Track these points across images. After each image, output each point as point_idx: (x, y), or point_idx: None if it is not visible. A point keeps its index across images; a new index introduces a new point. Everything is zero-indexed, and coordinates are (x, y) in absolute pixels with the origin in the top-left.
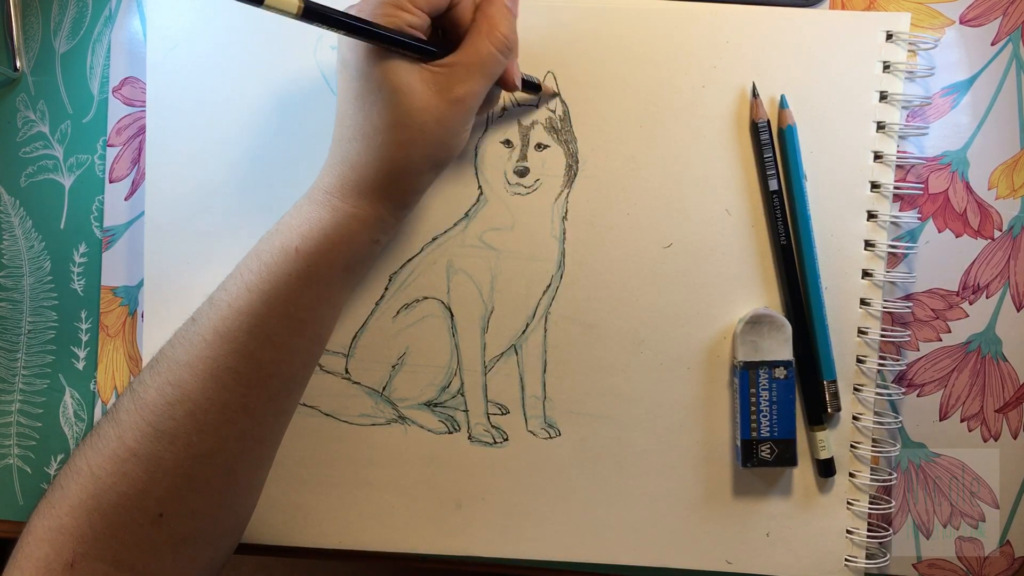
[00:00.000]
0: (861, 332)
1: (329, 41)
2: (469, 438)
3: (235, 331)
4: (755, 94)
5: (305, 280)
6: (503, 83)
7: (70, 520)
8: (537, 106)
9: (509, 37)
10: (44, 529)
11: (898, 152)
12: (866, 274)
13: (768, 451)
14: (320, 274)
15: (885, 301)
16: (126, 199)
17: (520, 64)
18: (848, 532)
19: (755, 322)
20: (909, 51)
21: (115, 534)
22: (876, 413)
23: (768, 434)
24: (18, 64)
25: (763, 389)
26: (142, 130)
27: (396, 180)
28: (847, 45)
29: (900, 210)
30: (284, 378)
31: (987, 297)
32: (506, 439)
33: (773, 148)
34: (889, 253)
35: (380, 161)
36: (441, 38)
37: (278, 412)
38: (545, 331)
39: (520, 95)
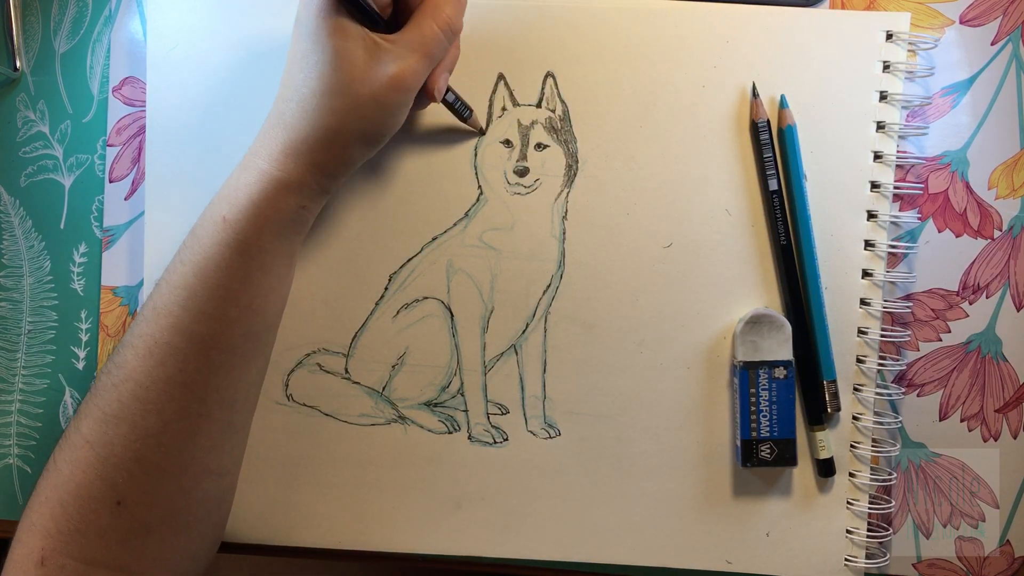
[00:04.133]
0: (861, 332)
1: None
2: (469, 438)
3: (170, 305)
4: (755, 94)
5: (235, 248)
6: (425, 86)
7: (38, 516)
8: (481, 131)
9: (453, 19)
10: (20, 529)
11: (898, 152)
12: (866, 274)
13: (768, 451)
14: (249, 241)
15: (885, 301)
16: (126, 199)
17: (520, 64)
18: (848, 532)
19: (755, 322)
20: (909, 51)
21: (78, 527)
22: (876, 413)
23: (768, 434)
24: (18, 64)
25: (763, 389)
26: (142, 130)
27: (324, 146)
28: (847, 45)
29: (900, 210)
30: (223, 351)
31: (987, 297)
32: (506, 439)
33: (773, 148)
34: (889, 253)
35: (311, 126)
36: (395, 20)
37: (223, 388)
38: (545, 331)
39: (450, 120)
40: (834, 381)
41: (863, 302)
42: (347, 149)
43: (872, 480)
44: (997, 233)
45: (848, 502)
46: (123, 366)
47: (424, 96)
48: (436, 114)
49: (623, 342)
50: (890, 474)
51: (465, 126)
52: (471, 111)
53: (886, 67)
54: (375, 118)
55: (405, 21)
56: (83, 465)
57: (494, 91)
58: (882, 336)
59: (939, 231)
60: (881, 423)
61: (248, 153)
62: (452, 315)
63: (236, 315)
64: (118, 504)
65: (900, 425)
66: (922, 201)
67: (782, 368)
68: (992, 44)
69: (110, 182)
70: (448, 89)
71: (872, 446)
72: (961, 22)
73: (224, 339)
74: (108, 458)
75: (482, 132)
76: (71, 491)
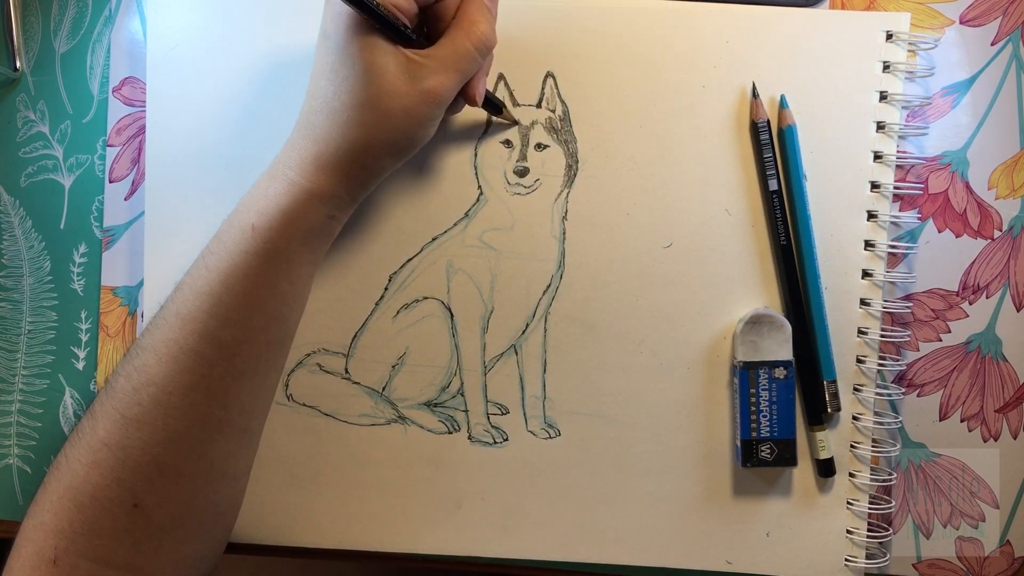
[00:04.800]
0: (861, 332)
1: None
2: (469, 438)
3: (195, 312)
4: (755, 94)
5: (263, 257)
6: (465, 93)
7: (51, 516)
8: (503, 121)
9: (488, 36)
10: (30, 527)
11: (898, 152)
12: (866, 274)
13: (768, 451)
14: (277, 250)
15: (885, 301)
16: (126, 199)
17: (520, 64)
18: (848, 532)
19: (755, 322)
20: (909, 51)
21: (93, 527)
22: (876, 413)
23: (768, 434)
24: (18, 64)
25: (763, 389)
26: (142, 130)
27: (355, 159)
28: (847, 45)
29: (900, 210)
30: (246, 359)
31: (987, 297)
32: (506, 439)
33: (773, 148)
34: (889, 253)
35: (342, 138)
36: (423, 32)
37: (244, 395)
38: (545, 331)
39: (451, 119)
40: (834, 381)
41: (863, 302)
42: (378, 161)
43: (872, 480)
44: (997, 233)
45: (848, 502)
46: (144, 370)
47: (462, 102)
48: None
49: (623, 342)
50: (890, 474)
51: (501, 119)
52: (503, 104)
53: (886, 67)
54: (407, 131)
55: (438, 34)
56: (100, 467)
57: (494, 91)
58: (882, 336)
59: (939, 231)
60: (881, 423)
61: (275, 162)
62: (452, 315)
63: (261, 324)
64: (134, 506)
65: (900, 425)
66: (922, 201)
67: (782, 368)
68: (992, 44)
69: (110, 182)
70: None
71: (872, 446)
72: (961, 22)
73: (248, 347)
74: (126, 461)
75: (517, 123)
76: (87, 492)
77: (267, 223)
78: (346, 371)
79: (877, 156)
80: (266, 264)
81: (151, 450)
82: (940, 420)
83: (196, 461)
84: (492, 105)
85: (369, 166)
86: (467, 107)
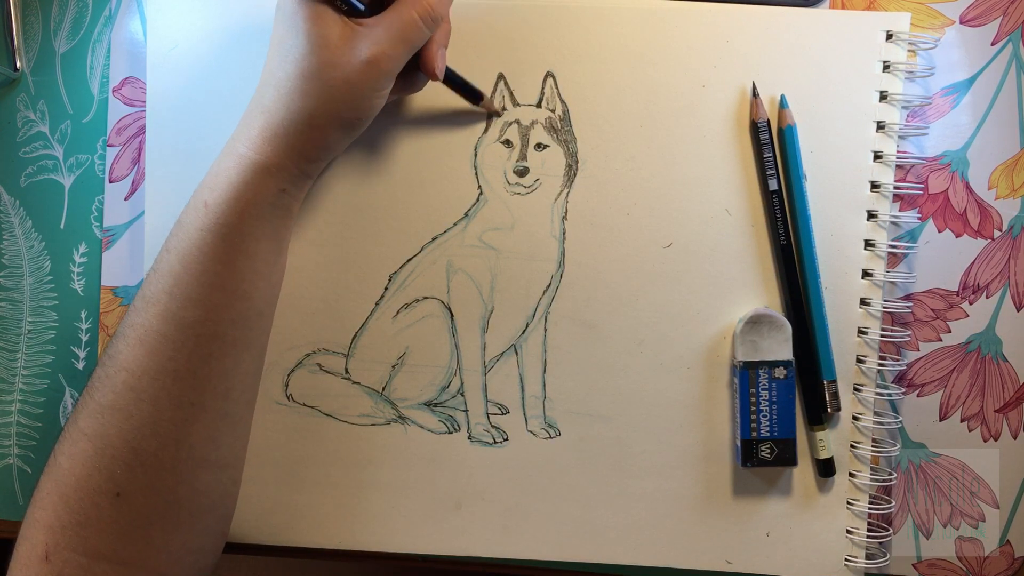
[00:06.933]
0: (861, 332)
1: None
2: (469, 438)
3: (157, 294)
4: (755, 94)
5: (216, 233)
6: (422, 64)
7: (40, 512)
8: (488, 118)
9: (435, 6)
10: (24, 526)
11: (898, 152)
12: (866, 274)
13: (768, 451)
14: (229, 225)
15: (885, 301)
16: (126, 199)
17: (520, 64)
18: (848, 532)
19: (755, 322)
20: (909, 51)
21: (80, 520)
22: (876, 413)
23: (768, 434)
24: (18, 64)
25: (763, 389)
26: (142, 130)
27: (301, 130)
28: (847, 45)
29: (900, 210)
30: (211, 338)
31: (987, 297)
32: (506, 439)
33: (773, 148)
34: (889, 253)
35: (286, 110)
36: (379, 3)
37: (215, 377)
38: (545, 331)
39: (450, 118)
40: (834, 381)
41: (863, 302)
42: (324, 133)
43: (872, 480)
44: (997, 233)
45: (848, 502)
46: (116, 357)
47: (422, 75)
48: (436, 112)
49: (623, 342)
50: (890, 474)
51: (478, 109)
52: (482, 94)
53: (886, 67)
54: (350, 102)
55: (389, 3)
56: (81, 458)
57: (494, 91)
58: (882, 336)
59: (939, 231)
60: (881, 423)
61: (229, 139)
62: (452, 315)
63: (221, 301)
64: (117, 496)
65: (900, 425)
66: (922, 201)
67: (782, 368)
68: (992, 44)
69: (110, 182)
70: (450, 70)
71: (872, 446)
72: (961, 22)
73: (211, 326)
74: (105, 449)
75: (498, 114)
76: (71, 485)
77: (217, 198)
78: (346, 371)
79: (877, 156)
80: (220, 239)
81: (126, 436)
82: (940, 420)
83: (174, 447)
84: (463, 88)
85: (316, 138)
86: (467, 106)
